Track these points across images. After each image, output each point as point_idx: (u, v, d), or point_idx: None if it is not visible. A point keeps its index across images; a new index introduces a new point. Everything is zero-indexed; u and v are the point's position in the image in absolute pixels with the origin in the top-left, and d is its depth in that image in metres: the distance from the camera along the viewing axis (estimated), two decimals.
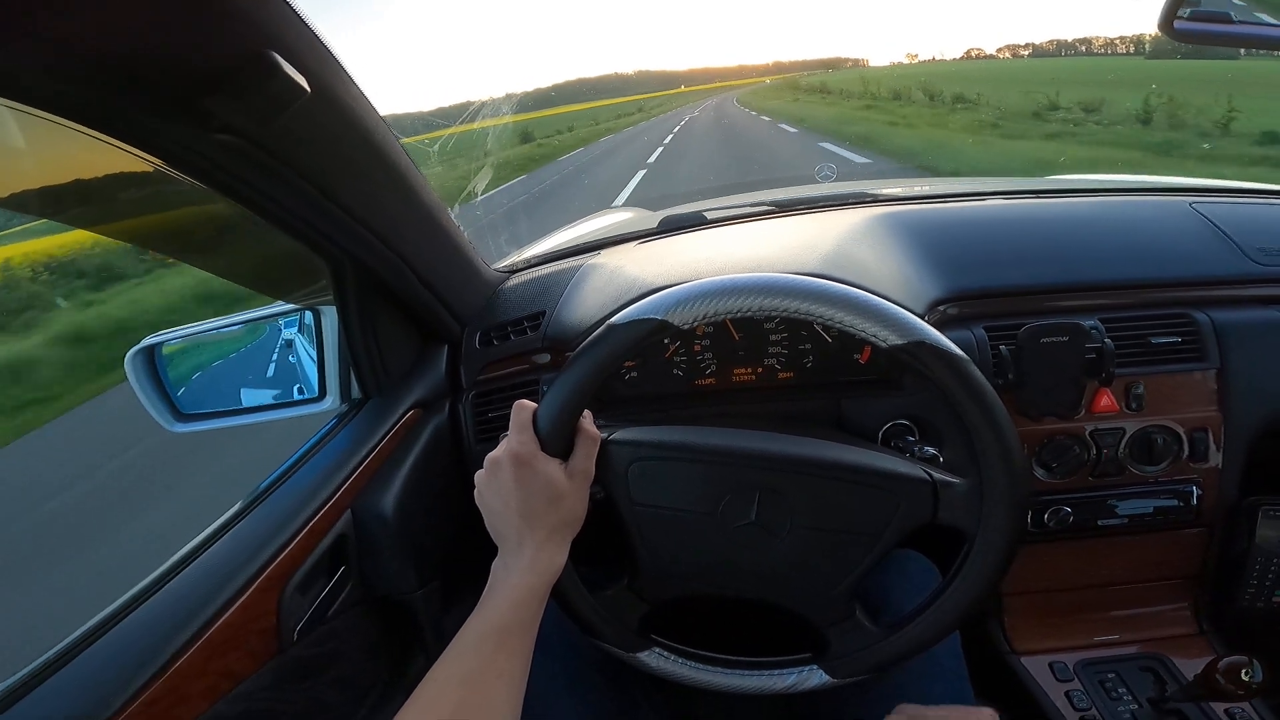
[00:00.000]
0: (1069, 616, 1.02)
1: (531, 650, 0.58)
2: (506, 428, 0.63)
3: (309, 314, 0.92)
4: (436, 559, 0.89)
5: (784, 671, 0.68)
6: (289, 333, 1.00)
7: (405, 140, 0.73)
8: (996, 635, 1.03)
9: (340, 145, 0.64)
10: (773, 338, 0.94)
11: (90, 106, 0.48)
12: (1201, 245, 1.00)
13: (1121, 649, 0.99)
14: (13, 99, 0.45)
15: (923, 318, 0.59)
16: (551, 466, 0.61)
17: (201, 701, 0.60)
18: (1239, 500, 0.95)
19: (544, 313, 0.98)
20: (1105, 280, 0.96)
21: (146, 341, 0.89)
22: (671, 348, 0.96)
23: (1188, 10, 0.92)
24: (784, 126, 18.06)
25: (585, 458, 0.63)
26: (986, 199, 1.23)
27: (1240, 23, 0.93)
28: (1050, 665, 0.97)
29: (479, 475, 0.63)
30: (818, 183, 1.75)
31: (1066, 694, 0.93)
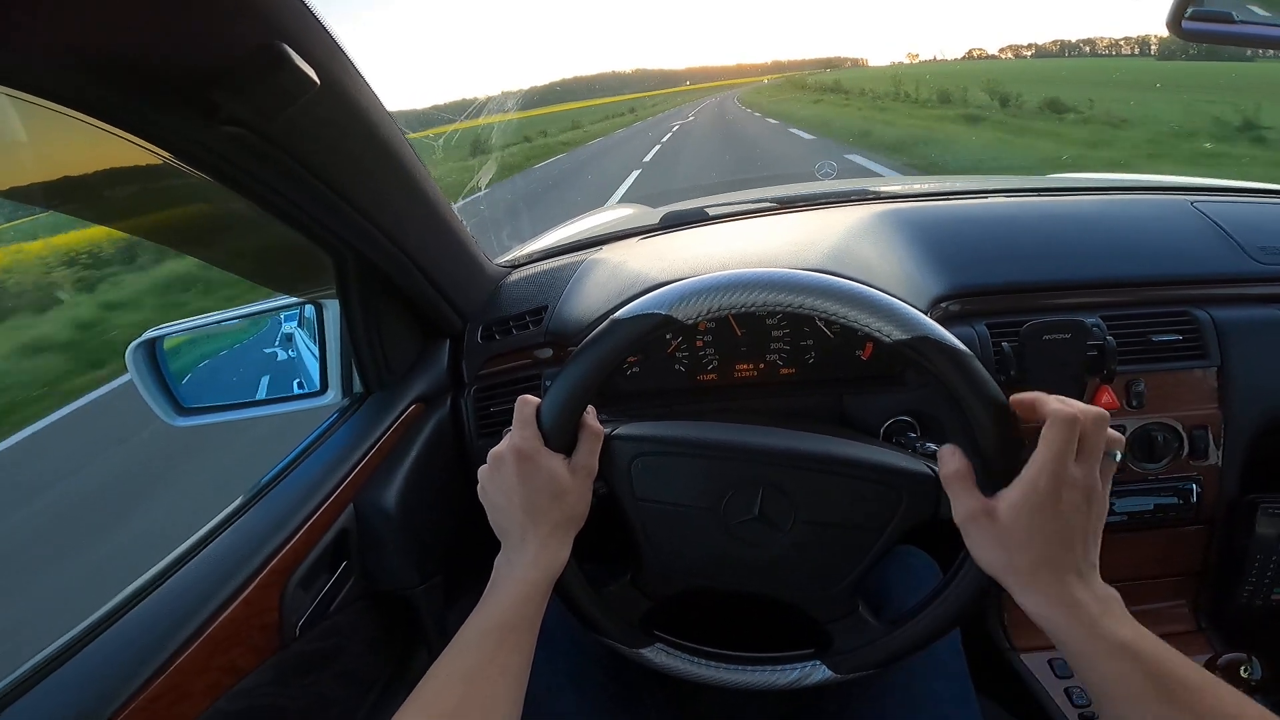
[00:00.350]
0: None
1: (534, 646, 0.58)
2: (508, 422, 0.63)
3: (311, 308, 0.91)
4: (439, 554, 0.89)
5: (787, 667, 0.68)
6: (290, 327, 1.00)
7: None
8: (997, 632, 1.04)
9: (347, 139, 0.64)
10: (775, 334, 0.94)
11: (98, 99, 0.48)
12: (1203, 244, 1.00)
13: None
14: (23, 91, 0.44)
15: (925, 314, 0.59)
16: (555, 462, 0.61)
17: (204, 698, 0.60)
18: (1238, 497, 0.95)
19: (546, 307, 0.98)
20: (1107, 278, 0.96)
21: (148, 335, 0.89)
22: (674, 343, 0.96)
23: (1190, 10, 0.92)
24: (796, 132, 15.36)
25: (588, 453, 0.63)
26: (989, 197, 1.23)
27: (1243, 23, 0.94)
28: (1050, 662, 0.98)
29: (482, 470, 0.63)
30: (818, 180, 1.75)
31: (1066, 690, 0.93)
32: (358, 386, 0.91)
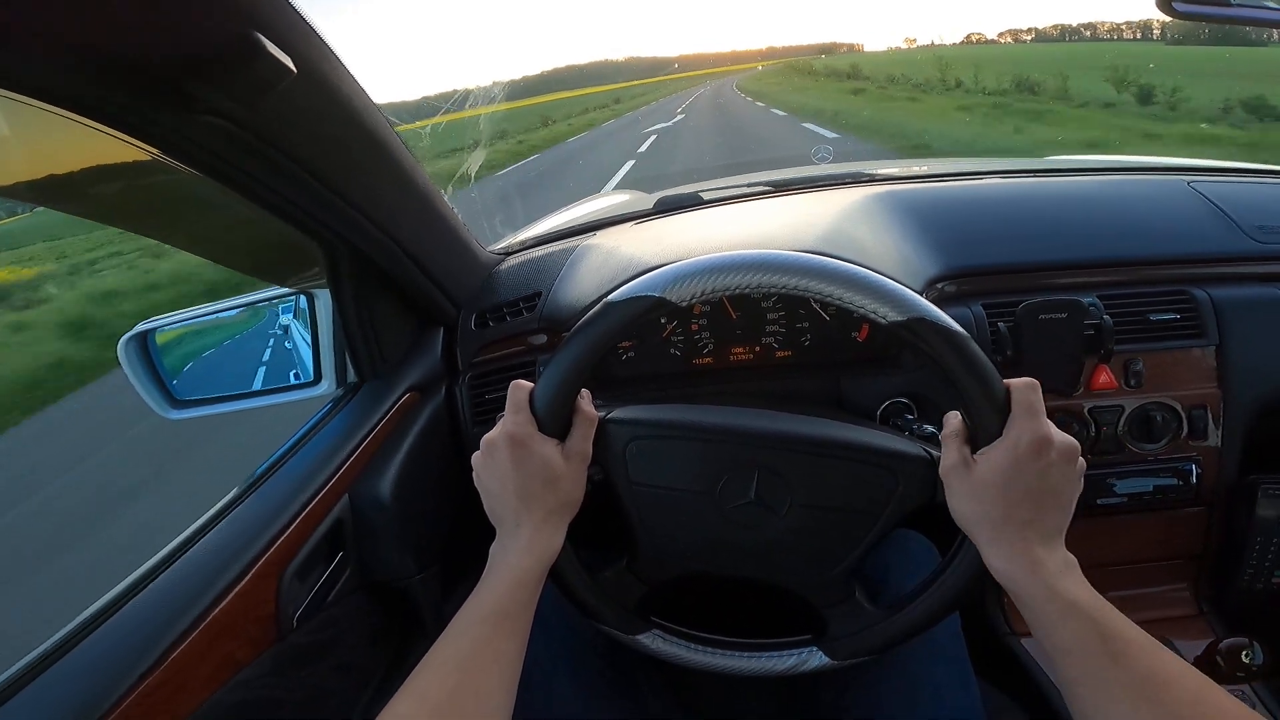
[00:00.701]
0: None
1: (528, 632, 0.58)
2: (499, 414, 0.63)
3: (303, 298, 0.91)
4: (435, 544, 0.89)
5: (783, 653, 0.67)
6: (284, 318, 0.99)
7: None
8: (996, 616, 1.04)
9: (329, 126, 0.63)
10: (770, 316, 0.94)
11: (77, 93, 0.48)
12: (1200, 223, 0.99)
13: None
14: (4, 88, 0.44)
15: (921, 295, 0.58)
16: (548, 447, 0.60)
17: (201, 690, 0.60)
18: (1238, 479, 0.95)
19: (540, 294, 0.98)
20: (1103, 258, 0.95)
21: (139, 328, 0.88)
22: (669, 327, 0.95)
23: None
24: (810, 126, 12.70)
25: (582, 439, 0.62)
26: (984, 178, 1.22)
27: (1237, 5, 0.93)
28: None
29: (476, 456, 0.62)
30: (814, 164, 1.74)
31: None
32: (352, 376, 0.91)
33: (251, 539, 0.68)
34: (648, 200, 1.33)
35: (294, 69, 0.52)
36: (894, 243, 0.96)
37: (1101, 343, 0.84)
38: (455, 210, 0.92)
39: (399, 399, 0.89)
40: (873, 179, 1.27)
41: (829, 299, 0.58)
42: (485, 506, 0.62)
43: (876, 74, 26.72)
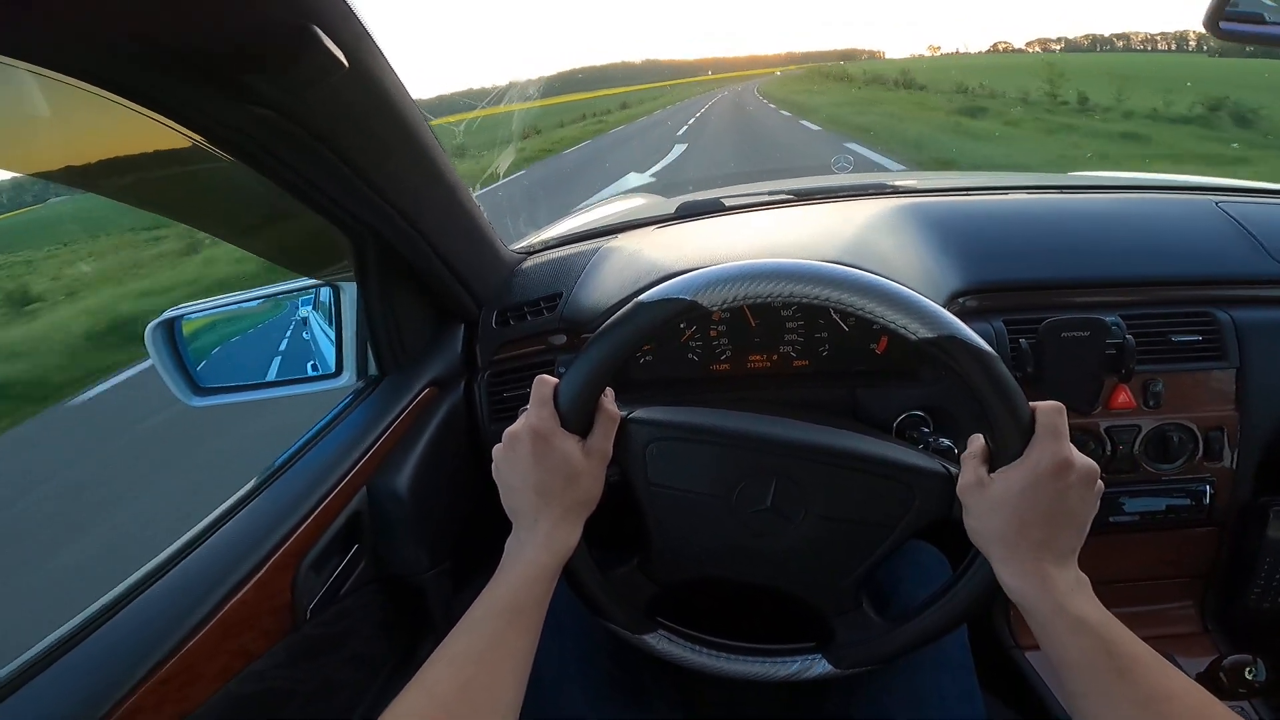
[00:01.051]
0: None
1: (540, 628, 0.58)
2: (521, 408, 0.63)
3: (328, 290, 0.92)
4: (448, 540, 0.89)
5: (787, 660, 0.68)
6: (304, 310, 1.00)
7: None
8: (1002, 629, 1.04)
9: (371, 122, 0.64)
10: (789, 325, 0.94)
11: (132, 81, 0.49)
12: (1225, 244, 0.99)
13: None
14: (60, 73, 0.45)
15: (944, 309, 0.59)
16: (570, 444, 0.60)
17: (215, 680, 0.60)
18: (1251, 500, 0.95)
19: (561, 294, 0.98)
20: (1127, 277, 0.95)
21: (166, 315, 0.89)
22: (687, 332, 0.95)
23: (1227, 9, 0.92)
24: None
25: (604, 437, 0.63)
26: (1009, 193, 1.22)
27: (1276, 24, 0.93)
28: None
29: (497, 449, 0.63)
30: (835, 173, 1.74)
31: None
32: (373, 369, 0.91)
33: (270, 529, 0.69)
34: (668, 205, 1.33)
35: (345, 64, 0.53)
36: (917, 255, 0.96)
37: (1123, 362, 0.84)
38: (481, 208, 0.92)
39: (419, 393, 0.89)
40: (895, 190, 1.27)
41: (860, 312, 0.59)
42: (503, 500, 0.63)
43: (937, 82, 20.92)
